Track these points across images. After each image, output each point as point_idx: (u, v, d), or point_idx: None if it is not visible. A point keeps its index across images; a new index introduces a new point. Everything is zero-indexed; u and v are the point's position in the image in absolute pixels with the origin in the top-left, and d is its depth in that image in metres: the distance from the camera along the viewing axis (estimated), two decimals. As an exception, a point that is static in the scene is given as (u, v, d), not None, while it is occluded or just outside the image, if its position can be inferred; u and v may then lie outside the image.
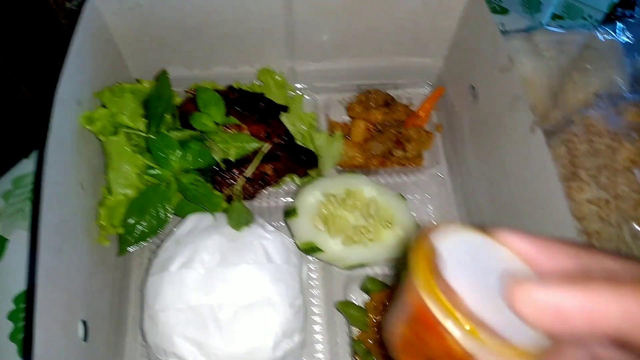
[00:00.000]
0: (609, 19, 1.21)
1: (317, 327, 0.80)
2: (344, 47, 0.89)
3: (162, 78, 0.77)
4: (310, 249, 0.78)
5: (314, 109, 0.97)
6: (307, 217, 0.78)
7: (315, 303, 0.82)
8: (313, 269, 0.85)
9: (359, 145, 0.91)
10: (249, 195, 0.80)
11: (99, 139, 0.72)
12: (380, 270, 0.83)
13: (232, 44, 0.85)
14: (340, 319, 0.78)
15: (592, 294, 0.25)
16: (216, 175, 0.77)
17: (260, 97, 0.87)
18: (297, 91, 0.96)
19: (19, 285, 0.82)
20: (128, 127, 0.73)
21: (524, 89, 0.67)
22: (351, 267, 0.79)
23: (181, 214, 0.77)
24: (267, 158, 0.80)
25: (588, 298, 0.25)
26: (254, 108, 0.83)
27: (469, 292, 0.28)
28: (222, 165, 0.77)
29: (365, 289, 0.79)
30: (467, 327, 0.26)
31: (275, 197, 0.88)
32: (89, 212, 0.68)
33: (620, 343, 0.26)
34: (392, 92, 0.98)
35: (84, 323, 0.61)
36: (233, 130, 0.80)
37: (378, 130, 0.94)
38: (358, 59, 0.92)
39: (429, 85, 1.01)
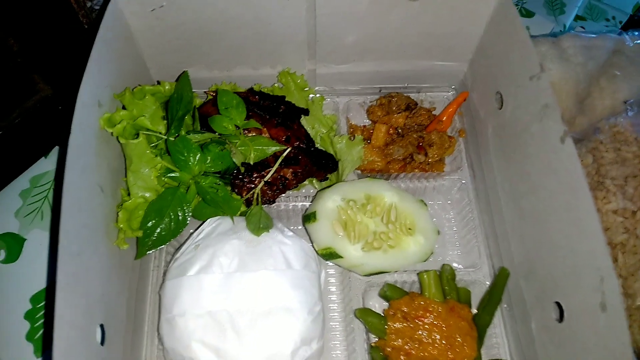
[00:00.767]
0: (632, 20, 1.19)
1: (335, 334, 0.79)
2: (367, 50, 0.88)
3: (183, 79, 0.76)
4: (329, 255, 0.77)
5: (334, 111, 0.95)
6: (326, 222, 0.77)
7: (334, 309, 0.81)
8: (332, 273, 0.84)
9: (380, 149, 0.89)
10: (268, 199, 0.78)
11: (119, 141, 0.71)
12: (399, 277, 0.81)
13: (254, 45, 0.84)
14: (358, 326, 0.77)
15: None
16: (235, 178, 0.76)
17: (281, 100, 0.85)
18: (318, 94, 0.95)
19: (36, 284, 0.82)
20: (148, 130, 0.72)
21: (554, 99, 0.65)
22: (370, 274, 0.78)
23: (200, 217, 0.76)
24: (287, 162, 0.79)
25: None
26: (274, 111, 0.82)
27: None
28: (242, 169, 0.76)
29: (384, 296, 0.78)
30: None
31: (294, 199, 0.87)
32: (108, 215, 0.68)
33: None
34: (414, 96, 0.97)
35: (102, 327, 0.61)
36: (253, 133, 0.79)
37: (399, 134, 0.92)
38: (381, 62, 0.91)
39: (452, 89, 0.99)
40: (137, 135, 0.71)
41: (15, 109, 0.87)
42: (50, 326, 0.50)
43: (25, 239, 0.86)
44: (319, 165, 0.82)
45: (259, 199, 0.77)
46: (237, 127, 0.77)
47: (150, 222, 0.70)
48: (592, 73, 0.91)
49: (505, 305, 0.80)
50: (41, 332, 0.79)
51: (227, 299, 0.67)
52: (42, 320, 0.80)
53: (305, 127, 0.86)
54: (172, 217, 0.71)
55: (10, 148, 0.88)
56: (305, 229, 0.81)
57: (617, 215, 0.78)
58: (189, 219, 0.72)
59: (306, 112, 0.86)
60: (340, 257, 0.76)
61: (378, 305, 0.81)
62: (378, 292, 0.79)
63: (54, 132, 0.94)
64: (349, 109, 0.96)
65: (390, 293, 0.76)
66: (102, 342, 0.60)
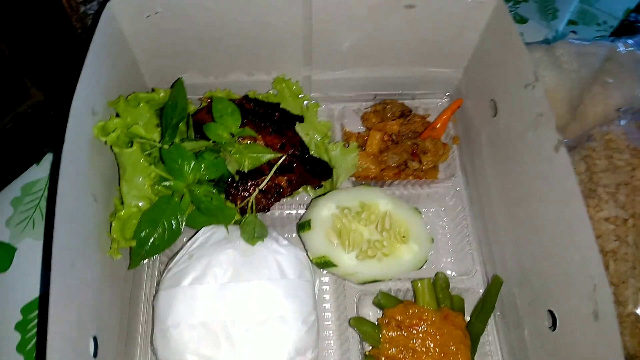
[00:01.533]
0: (623, 25, 1.20)
1: (329, 343, 0.79)
2: (362, 57, 0.87)
3: (177, 86, 0.75)
4: (324, 264, 0.76)
5: (328, 118, 0.95)
6: (320, 230, 0.77)
7: (328, 318, 0.81)
8: (326, 282, 0.84)
9: (374, 157, 0.89)
10: (263, 207, 0.78)
11: (113, 150, 0.70)
12: (394, 286, 0.81)
13: (249, 51, 0.84)
14: (353, 335, 0.77)
15: None
16: (230, 187, 0.76)
17: (275, 107, 0.85)
18: (313, 100, 0.94)
19: (27, 295, 0.81)
20: (142, 138, 0.72)
21: (549, 107, 0.65)
22: (365, 282, 0.78)
23: (194, 225, 0.76)
24: (282, 169, 0.78)
25: None
26: (269, 119, 0.82)
27: None
28: (236, 177, 0.75)
29: (378, 305, 0.78)
30: None
31: (289, 207, 0.87)
32: (101, 225, 0.67)
33: None
34: (408, 103, 0.97)
35: (94, 339, 0.60)
36: (248, 140, 0.79)
37: (394, 141, 0.92)
38: (376, 69, 0.91)
39: (446, 96, 0.99)
40: (131, 144, 0.70)
41: (7, 114, 0.85)
42: (43, 338, 0.49)
43: (16, 248, 0.85)
44: (314, 173, 0.82)
45: (254, 207, 0.77)
46: (232, 135, 0.76)
47: (144, 232, 0.69)
48: (585, 80, 0.92)
49: (498, 313, 0.80)
50: (32, 343, 0.78)
51: (222, 310, 0.66)
52: (33, 331, 0.78)
53: (300, 134, 0.85)
54: (166, 226, 0.71)
55: (1, 155, 0.87)
56: (300, 237, 0.81)
57: (609, 222, 0.79)
58: (182, 227, 0.72)
59: (301, 119, 0.86)
60: (335, 265, 0.76)
61: (372, 313, 0.81)
62: (372, 301, 0.79)
63: (46, 138, 0.93)
64: (343, 115, 0.96)
65: (385, 301, 0.76)
66: (95, 354, 0.59)
